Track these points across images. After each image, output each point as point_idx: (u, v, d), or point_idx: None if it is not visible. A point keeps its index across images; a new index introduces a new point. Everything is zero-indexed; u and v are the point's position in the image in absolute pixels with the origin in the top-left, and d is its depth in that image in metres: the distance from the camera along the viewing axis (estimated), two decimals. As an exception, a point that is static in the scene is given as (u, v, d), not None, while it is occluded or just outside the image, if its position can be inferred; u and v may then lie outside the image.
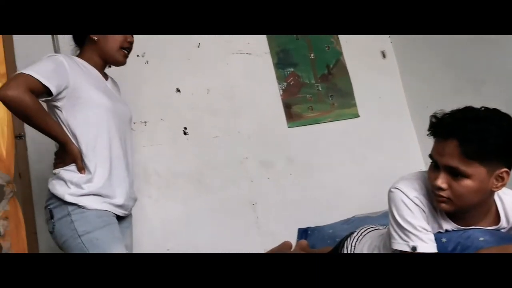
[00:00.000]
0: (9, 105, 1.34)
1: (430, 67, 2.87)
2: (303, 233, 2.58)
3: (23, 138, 2.26)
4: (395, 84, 3.12)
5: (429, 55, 2.86)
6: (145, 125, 2.50)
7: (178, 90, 2.62)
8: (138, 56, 2.52)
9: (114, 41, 1.60)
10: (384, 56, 3.14)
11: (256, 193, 2.62)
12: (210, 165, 2.57)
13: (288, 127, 2.79)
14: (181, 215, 2.43)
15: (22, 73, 1.36)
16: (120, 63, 1.66)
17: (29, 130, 2.26)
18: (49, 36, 2.35)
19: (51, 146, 2.27)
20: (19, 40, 2.33)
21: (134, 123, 2.35)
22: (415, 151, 3.01)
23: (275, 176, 2.69)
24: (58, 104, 1.45)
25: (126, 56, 1.66)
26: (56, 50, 2.29)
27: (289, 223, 2.60)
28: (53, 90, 1.40)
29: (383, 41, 3.16)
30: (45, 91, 1.40)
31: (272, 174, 2.69)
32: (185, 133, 2.58)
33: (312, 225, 2.60)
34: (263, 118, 2.75)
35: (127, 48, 1.65)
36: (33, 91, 1.35)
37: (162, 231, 2.39)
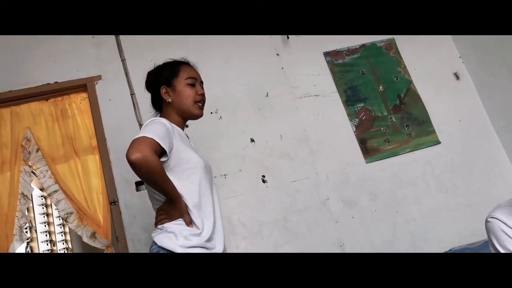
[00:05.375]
0: (140, 166, 1.39)
1: (509, 82, 2.71)
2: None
3: (116, 203, 2.41)
4: (474, 104, 2.97)
5: (505, 69, 2.72)
6: (225, 177, 2.57)
7: (252, 140, 2.68)
8: (211, 113, 2.65)
9: (187, 97, 1.67)
10: (457, 77, 3.02)
11: (343, 233, 2.56)
12: (293, 210, 2.56)
13: (366, 163, 2.73)
14: (270, 264, 2.42)
15: (145, 136, 1.45)
16: (198, 115, 1.71)
17: (122, 196, 2.42)
18: (132, 109, 2.56)
19: (141, 209, 2.41)
20: (106, 114, 2.55)
21: (215, 177, 2.43)
22: (509, 173, 2.80)
23: (359, 214, 2.62)
24: (164, 165, 1.52)
25: (201, 108, 1.72)
26: (139, 121, 2.49)
27: (381, 262, 2.48)
28: (168, 152, 1.49)
29: (454, 63, 3.06)
30: (159, 153, 1.48)
31: (357, 213, 2.62)
32: (264, 181, 2.61)
33: (407, 262, 2.46)
34: (339, 157, 2.72)
35: (200, 100, 1.71)
36: (155, 153, 1.44)
37: (253, 281, 2.38)
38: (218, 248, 1.53)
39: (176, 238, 1.46)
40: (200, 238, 1.48)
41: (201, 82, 1.75)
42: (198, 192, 1.54)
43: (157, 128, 1.51)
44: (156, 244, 1.50)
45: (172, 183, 1.50)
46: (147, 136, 1.44)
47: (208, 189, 1.58)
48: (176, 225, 1.49)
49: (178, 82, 1.68)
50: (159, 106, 1.75)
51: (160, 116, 1.72)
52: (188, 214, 1.50)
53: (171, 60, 1.77)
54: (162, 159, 1.50)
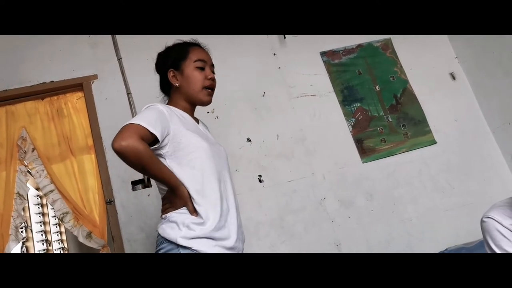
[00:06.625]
0: (125, 154, 1.34)
1: (505, 82, 2.72)
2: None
3: (113, 203, 2.40)
4: (470, 104, 2.98)
5: (501, 69, 2.73)
6: (222, 177, 2.56)
7: (249, 140, 2.68)
8: (208, 112, 2.64)
9: (195, 82, 1.60)
10: (453, 77, 3.03)
11: (339, 233, 2.56)
12: (289, 209, 2.56)
13: (363, 163, 2.73)
14: (267, 263, 2.42)
15: (131, 123, 1.39)
16: (205, 102, 1.65)
17: (118, 196, 2.41)
18: (128, 108, 2.55)
19: (137, 209, 2.41)
20: (103, 113, 2.55)
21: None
22: (505, 173, 2.81)
23: (356, 214, 2.62)
24: (162, 151, 1.48)
25: (210, 95, 1.65)
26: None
27: (378, 262, 2.49)
28: (159, 137, 1.43)
29: (450, 63, 3.07)
30: (152, 139, 1.43)
31: (353, 212, 2.62)
32: (260, 181, 2.61)
33: (403, 262, 2.47)
34: (336, 157, 2.72)
35: (210, 86, 1.64)
36: (143, 139, 1.39)
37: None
38: (231, 239, 1.46)
39: (178, 228, 1.41)
40: (204, 228, 1.41)
41: (212, 65, 1.68)
42: (201, 178, 1.47)
43: (147, 114, 1.46)
44: (160, 234, 1.45)
45: (167, 169, 1.45)
46: (133, 122, 1.40)
47: (214, 175, 1.50)
48: (179, 214, 1.44)
49: (186, 65, 1.61)
50: (167, 90, 1.69)
51: (168, 101, 1.68)
52: (192, 203, 1.44)
53: (181, 42, 1.69)
54: (155, 146, 1.46)
